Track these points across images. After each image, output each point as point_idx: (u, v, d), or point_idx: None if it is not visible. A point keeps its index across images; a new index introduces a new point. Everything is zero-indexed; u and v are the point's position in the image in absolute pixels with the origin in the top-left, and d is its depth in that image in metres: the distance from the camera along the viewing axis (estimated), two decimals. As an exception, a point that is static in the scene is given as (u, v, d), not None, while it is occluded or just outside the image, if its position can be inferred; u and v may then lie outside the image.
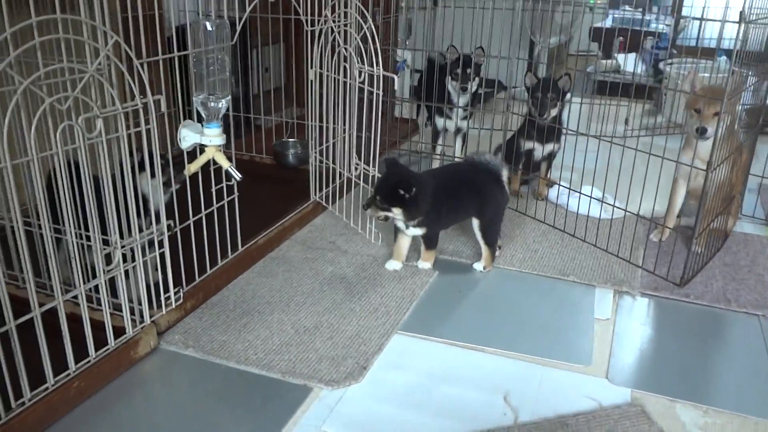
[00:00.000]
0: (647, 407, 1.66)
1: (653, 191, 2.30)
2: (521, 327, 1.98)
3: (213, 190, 2.04)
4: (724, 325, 2.04)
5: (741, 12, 1.95)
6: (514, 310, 2.07)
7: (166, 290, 1.88)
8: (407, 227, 2.24)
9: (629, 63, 5.17)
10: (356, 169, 2.45)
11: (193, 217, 1.96)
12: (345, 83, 2.50)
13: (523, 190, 3.02)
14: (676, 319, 2.06)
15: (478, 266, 2.34)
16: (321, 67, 2.54)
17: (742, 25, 1.96)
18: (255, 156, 3.17)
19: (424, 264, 2.32)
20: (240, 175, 1.93)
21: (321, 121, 2.63)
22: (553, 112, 2.78)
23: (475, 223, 2.30)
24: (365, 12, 2.30)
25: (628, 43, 5.36)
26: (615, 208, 2.61)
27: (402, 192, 2.08)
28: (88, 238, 1.64)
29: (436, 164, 3.13)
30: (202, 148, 1.91)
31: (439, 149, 3.16)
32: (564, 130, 2.84)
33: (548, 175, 2.97)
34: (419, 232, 2.24)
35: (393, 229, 2.32)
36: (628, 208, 2.49)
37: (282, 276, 2.23)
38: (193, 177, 1.93)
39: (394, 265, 2.32)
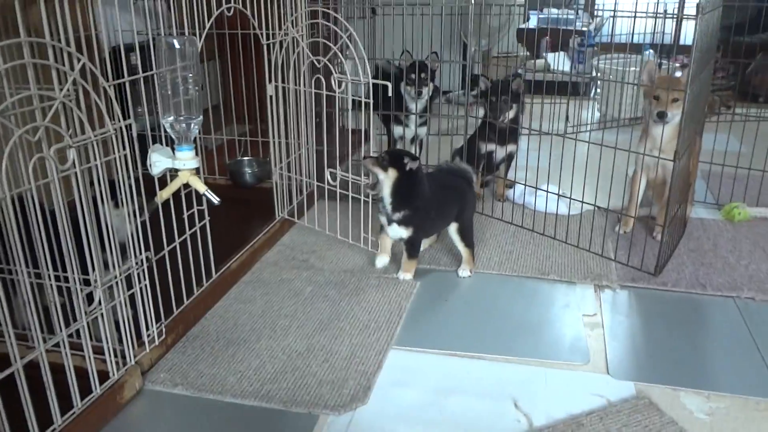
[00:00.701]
0: (653, 398, 1.66)
1: (608, 184, 2.34)
2: (514, 330, 1.96)
3: (185, 216, 1.92)
4: (704, 310, 2.08)
5: (698, 5, 2.01)
6: (504, 314, 2.05)
7: (147, 326, 1.75)
8: (390, 222, 2.19)
9: (558, 62, 5.30)
10: (333, 178, 2.36)
11: (168, 246, 1.84)
12: (311, 94, 2.42)
13: (482, 192, 3.02)
14: (658, 308, 2.09)
15: (463, 272, 2.30)
16: (282, 81, 2.45)
17: (700, 17, 2.01)
18: (208, 177, 3.03)
19: (405, 275, 2.26)
20: (218, 199, 1.82)
21: (281, 137, 2.54)
22: (510, 114, 2.79)
23: (454, 227, 2.28)
24: (337, 22, 2.24)
25: (555, 42, 5.49)
26: (578, 203, 2.64)
27: (406, 160, 2.11)
28: (59, 278, 1.50)
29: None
30: (173, 172, 1.79)
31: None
32: (521, 131, 2.85)
33: (506, 176, 2.98)
34: (403, 233, 2.19)
35: (371, 238, 2.26)
36: (588, 202, 2.52)
37: (261, 300, 2.13)
38: (164, 204, 1.81)
39: (382, 260, 2.31)
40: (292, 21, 2.43)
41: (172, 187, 1.78)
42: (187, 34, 2.02)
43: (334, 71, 2.31)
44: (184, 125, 1.75)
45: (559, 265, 2.35)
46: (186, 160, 1.75)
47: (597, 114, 4.39)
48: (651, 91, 2.37)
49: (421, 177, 2.17)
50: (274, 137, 2.55)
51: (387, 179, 2.15)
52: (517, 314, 2.05)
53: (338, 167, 2.38)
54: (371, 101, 2.18)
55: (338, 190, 2.39)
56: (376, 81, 2.18)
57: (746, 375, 1.75)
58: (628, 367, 1.79)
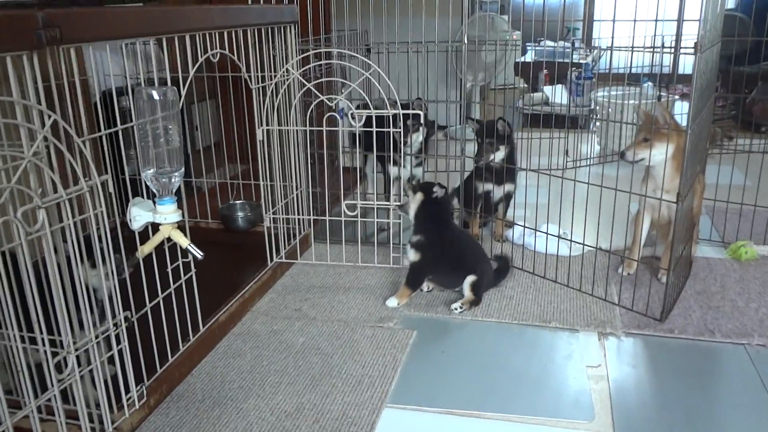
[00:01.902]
0: (663, 461, 1.55)
1: (610, 223, 2.29)
2: (515, 385, 1.85)
3: (168, 270, 1.84)
4: (714, 359, 1.97)
5: (696, 43, 1.94)
6: (504, 367, 1.94)
7: (127, 390, 1.65)
8: (408, 243, 2.29)
9: (556, 94, 5.25)
10: (351, 209, 2.44)
11: (150, 302, 1.75)
12: (309, 134, 2.36)
13: (480, 232, 2.93)
14: (665, 357, 1.98)
15: (456, 306, 2.26)
16: (276, 124, 2.39)
17: (698, 54, 1.93)
18: (200, 221, 2.95)
19: (393, 301, 2.29)
20: (201, 253, 1.73)
21: (276, 180, 2.48)
22: (499, 155, 2.72)
23: (470, 279, 2.29)
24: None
25: (552, 74, 5.44)
26: (578, 245, 2.54)
27: (435, 188, 2.27)
28: (32, 341, 1.41)
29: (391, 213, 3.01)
30: (155, 227, 1.71)
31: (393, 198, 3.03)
32: (517, 170, 2.78)
33: (505, 216, 2.89)
34: (411, 256, 2.28)
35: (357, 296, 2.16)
36: (588, 242, 2.44)
37: (250, 354, 2.03)
38: (145, 258, 1.73)
39: (391, 302, 2.32)
40: (293, 64, 2.38)
41: (154, 241, 1.70)
42: (179, 75, 1.96)
43: (350, 106, 2.36)
44: (165, 178, 1.67)
45: (561, 311, 2.25)
46: (167, 213, 1.67)
47: (597, 147, 4.31)
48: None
49: (444, 212, 2.31)
50: (264, 181, 2.48)
51: (413, 201, 2.30)
52: (518, 366, 1.94)
53: (357, 198, 2.44)
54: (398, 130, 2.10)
55: (359, 219, 2.47)
56: (402, 111, 2.18)
57: (762, 433, 1.64)
58: (636, 426, 1.67)
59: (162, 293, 1.80)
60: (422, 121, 2.81)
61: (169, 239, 1.73)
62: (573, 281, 2.44)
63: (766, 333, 2.06)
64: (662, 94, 4.21)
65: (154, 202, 1.69)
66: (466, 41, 2.62)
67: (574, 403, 1.77)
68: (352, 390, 1.83)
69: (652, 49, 3.26)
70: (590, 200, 2.25)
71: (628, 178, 2.25)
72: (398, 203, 2.41)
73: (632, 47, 3.30)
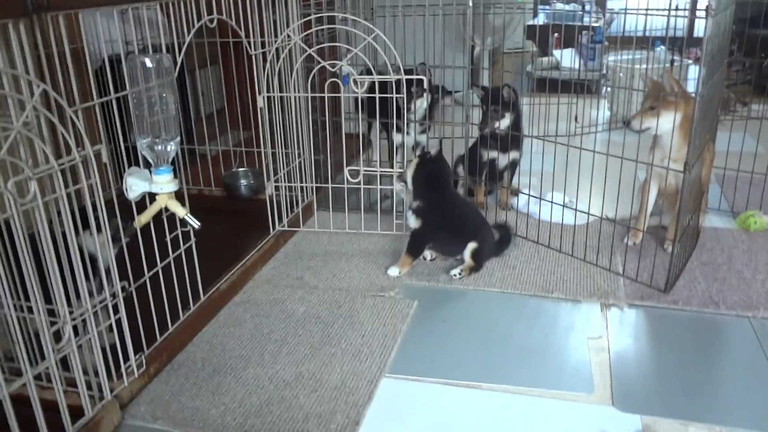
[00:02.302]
0: (661, 434, 1.54)
1: (616, 192, 2.27)
2: (515, 356, 1.84)
3: (167, 239, 1.83)
4: (718, 331, 1.95)
5: (707, 6, 1.87)
6: (505, 338, 1.93)
7: (126, 359, 1.66)
8: (410, 208, 2.27)
9: (566, 58, 5.15)
10: (353, 175, 2.47)
11: (149, 272, 1.74)
12: (313, 100, 2.33)
13: (485, 200, 2.90)
14: (668, 329, 1.96)
15: (456, 272, 2.27)
16: (276, 90, 2.36)
17: (710, 19, 1.87)
18: (204, 189, 2.94)
19: (394, 270, 2.29)
20: (198, 223, 1.72)
21: (278, 147, 2.45)
22: (504, 123, 2.67)
23: (471, 246, 2.27)
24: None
25: (564, 38, 5.33)
26: (584, 213, 2.51)
27: (431, 150, 2.32)
28: (29, 310, 1.41)
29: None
30: (152, 196, 1.69)
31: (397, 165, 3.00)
32: (522, 138, 2.73)
33: (511, 184, 2.86)
34: (412, 223, 2.26)
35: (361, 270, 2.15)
36: (594, 212, 2.41)
37: (251, 323, 2.03)
38: (144, 227, 1.71)
39: (393, 271, 2.31)
40: (294, 28, 2.33)
41: (150, 211, 1.68)
42: (174, 41, 1.92)
43: (353, 72, 2.28)
44: (161, 146, 1.64)
45: (565, 281, 2.23)
46: (164, 183, 1.65)
47: (607, 113, 4.23)
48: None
49: (441, 176, 2.28)
50: (265, 149, 2.45)
51: (410, 168, 2.29)
52: (519, 337, 1.93)
53: (361, 164, 2.51)
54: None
55: (362, 186, 2.49)
56: (406, 76, 2.26)
57: (763, 407, 1.62)
58: (634, 398, 1.66)
59: (161, 263, 1.79)
60: (426, 86, 2.76)
61: (166, 209, 1.72)
62: (577, 251, 2.41)
63: (771, 305, 2.03)
64: (675, 58, 4.11)
65: (151, 171, 1.67)
66: (471, 4, 2.54)
67: (574, 375, 1.76)
68: (351, 359, 1.83)
69: (666, 12, 3.17)
70: (597, 168, 2.21)
71: (635, 145, 2.20)
72: (399, 171, 2.39)
73: (646, 10, 3.23)
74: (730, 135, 2.78)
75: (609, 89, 4.32)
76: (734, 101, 4.42)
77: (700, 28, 5.90)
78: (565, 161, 2.32)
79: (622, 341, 1.91)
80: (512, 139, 2.68)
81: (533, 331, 1.96)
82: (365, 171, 2.42)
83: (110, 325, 1.58)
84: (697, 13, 2.03)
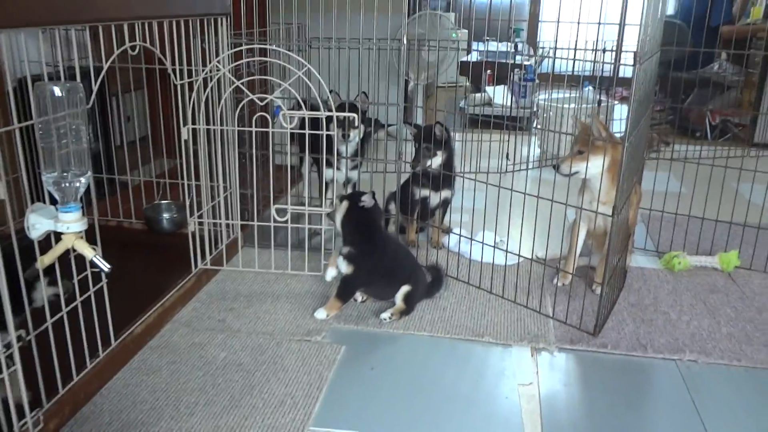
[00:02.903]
0: (592, 488, 1.50)
1: (546, 232, 2.29)
2: (445, 406, 1.78)
3: (75, 281, 1.69)
4: (646, 375, 1.94)
5: (635, 54, 1.90)
6: (434, 385, 1.87)
7: (21, 416, 1.50)
8: (339, 254, 2.17)
9: (499, 95, 5.23)
10: (281, 214, 2.35)
11: (52, 317, 1.60)
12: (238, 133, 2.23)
13: (416, 239, 2.86)
14: (597, 374, 1.95)
15: (386, 316, 2.20)
16: (203, 121, 2.26)
17: (637, 66, 1.90)
18: (123, 221, 2.78)
19: (321, 312, 2.20)
20: (108, 266, 1.59)
21: (203, 180, 2.34)
22: (436, 161, 2.65)
23: (404, 290, 2.22)
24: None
25: (496, 75, 5.41)
26: (515, 255, 2.50)
27: (364, 197, 2.14)
28: None
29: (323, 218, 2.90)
30: (57, 235, 1.56)
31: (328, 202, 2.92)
32: (455, 176, 2.71)
33: (442, 223, 2.83)
34: (343, 268, 2.16)
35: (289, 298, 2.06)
36: (524, 252, 2.40)
37: (167, 370, 1.89)
38: (49, 267, 1.58)
39: (330, 273, 2.24)
40: (223, 59, 2.24)
41: (55, 252, 1.55)
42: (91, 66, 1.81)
43: (282, 107, 2.23)
44: (69, 182, 1.52)
45: (495, 324, 2.19)
46: (70, 222, 1.52)
47: (538, 150, 4.30)
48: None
49: (372, 220, 2.19)
50: (189, 181, 2.34)
51: (339, 210, 2.18)
52: (449, 384, 1.87)
53: (288, 202, 2.34)
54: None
55: (289, 225, 2.35)
56: (339, 113, 2.02)
57: (690, 456, 1.61)
58: (565, 449, 1.63)
59: (66, 306, 1.65)
60: (359, 120, 2.72)
61: (73, 249, 1.59)
62: (508, 292, 2.39)
63: (696, 348, 2.05)
64: (602, 98, 4.22)
65: (57, 209, 1.54)
66: (405, 41, 2.53)
67: (505, 424, 1.71)
68: (273, 412, 1.73)
69: (593, 56, 3.25)
70: (527, 207, 2.20)
71: (565, 184, 2.19)
72: (329, 210, 2.30)
73: (575, 49, 3.32)
74: (655, 174, 2.85)
75: (539, 127, 4.39)
76: (657, 141, 4.58)
77: (626, 69, 6.15)
78: (497, 199, 2.31)
79: (552, 387, 1.88)
80: (444, 178, 2.65)
81: (463, 378, 1.91)
82: (293, 210, 2.33)
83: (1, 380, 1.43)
84: (624, 61, 2.05)
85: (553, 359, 2.02)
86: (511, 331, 2.15)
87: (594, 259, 2.55)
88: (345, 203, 2.17)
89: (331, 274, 2.22)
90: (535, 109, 4.64)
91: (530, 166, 4.04)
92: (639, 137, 2.23)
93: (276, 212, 2.32)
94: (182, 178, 2.45)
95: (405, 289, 2.20)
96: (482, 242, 2.49)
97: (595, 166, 2.20)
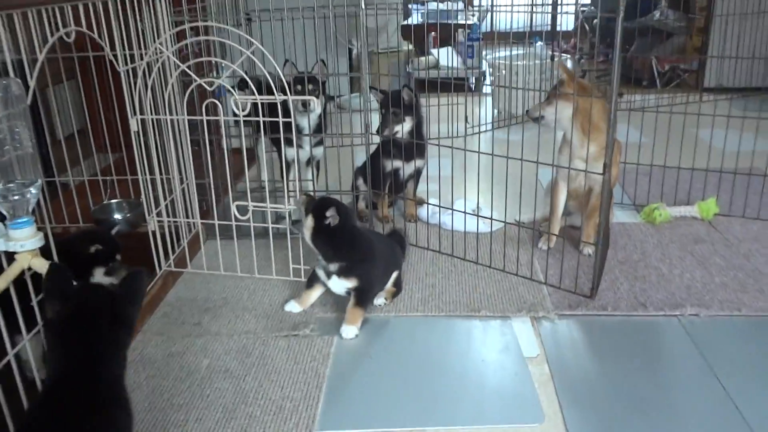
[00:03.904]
0: (624, 461, 1.43)
1: (520, 195, 2.22)
2: (455, 390, 1.68)
3: (33, 302, 1.49)
4: (651, 334, 1.89)
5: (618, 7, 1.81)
6: (440, 368, 1.76)
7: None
8: (329, 275, 1.93)
9: (445, 57, 5.11)
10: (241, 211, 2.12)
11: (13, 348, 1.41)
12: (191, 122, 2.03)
13: (390, 213, 2.73)
14: (602, 338, 1.88)
15: (381, 302, 2.07)
16: (151, 110, 2.05)
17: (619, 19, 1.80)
18: (69, 226, 2.54)
19: (349, 329, 1.92)
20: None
21: (157, 173, 2.14)
22: (406, 127, 2.53)
23: (394, 276, 2.10)
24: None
25: (440, 37, 5.29)
26: (493, 221, 2.41)
27: (328, 213, 1.85)
28: None
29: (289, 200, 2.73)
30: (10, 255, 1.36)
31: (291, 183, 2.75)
32: (427, 144, 2.59)
33: (415, 194, 2.72)
34: (348, 284, 1.93)
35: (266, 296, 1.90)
36: (500, 217, 2.33)
37: (147, 386, 1.72)
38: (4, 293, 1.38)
39: (291, 306, 2.03)
40: (165, 40, 2.03)
41: (9, 274, 1.35)
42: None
43: (233, 93, 1.98)
44: (17, 195, 1.32)
45: (489, 296, 2.10)
46: (24, 239, 1.33)
47: (494, 111, 4.21)
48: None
49: (350, 229, 1.93)
50: (144, 176, 2.14)
51: (306, 227, 1.90)
52: (454, 367, 1.77)
53: (249, 198, 2.11)
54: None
55: (252, 224, 2.14)
56: (295, 98, 1.84)
57: (713, 416, 1.56)
58: (589, 422, 1.55)
59: (28, 334, 1.45)
60: (320, 90, 2.55)
61: (29, 268, 1.39)
62: (495, 261, 2.30)
63: (695, 301, 2.01)
64: (555, 53, 4.15)
65: (6, 225, 1.34)
66: (363, 5, 2.37)
67: (521, 403, 1.62)
68: (273, 419, 1.58)
69: (531, 8, 3.16)
70: (497, 170, 2.13)
71: (531, 143, 2.07)
72: (293, 206, 2.10)
73: (512, 6, 3.25)
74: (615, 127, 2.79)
75: (491, 87, 4.30)
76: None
77: (563, 23, 6.10)
78: (464, 165, 2.20)
79: (561, 357, 1.80)
80: (417, 146, 2.52)
81: (468, 357, 1.81)
82: (255, 207, 2.13)
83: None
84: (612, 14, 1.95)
85: (555, 327, 1.94)
86: (507, 302, 2.06)
87: (574, 219, 2.49)
88: (310, 220, 1.88)
89: (293, 307, 2.04)
90: (485, 68, 4.54)
91: (488, 127, 3.95)
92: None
93: (237, 210, 2.13)
94: (134, 173, 2.24)
95: (395, 274, 2.08)
96: (464, 211, 2.38)
97: (561, 111, 2.13)
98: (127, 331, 1.28)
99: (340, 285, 1.93)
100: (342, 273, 1.91)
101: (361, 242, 1.95)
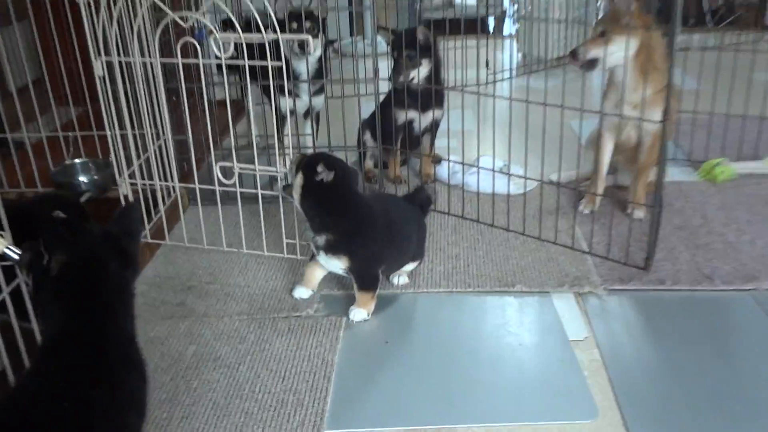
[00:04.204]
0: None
1: (557, 149, 2.08)
2: (489, 381, 1.59)
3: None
4: (721, 313, 1.81)
5: None
6: (469, 355, 1.68)
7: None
8: (318, 249, 1.79)
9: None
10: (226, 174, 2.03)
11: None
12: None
13: (403, 173, 2.64)
14: (662, 317, 1.80)
15: (403, 280, 1.99)
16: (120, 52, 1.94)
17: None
18: (26, 190, 2.44)
19: (357, 311, 1.83)
20: (18, 251, 1.31)
21: (128, 128, 2.03)
22: (423, 72, 2.43)
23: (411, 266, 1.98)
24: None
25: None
26: (524, 179, 2.31)
27: (320, 168, 1.69)
28: None
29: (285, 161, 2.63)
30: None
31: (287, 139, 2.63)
32: (447, 91, 2.48)
33: (432, 151, 2.62)
34: (338, 264, 1.79)
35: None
36: (536, 175, 2.24)
37: (122, 379, 1.64)
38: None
39: (301, 292, 1.92)
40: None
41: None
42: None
43: (215, 30, 1.89)
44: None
45: (524, 268, 2.01)
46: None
47: (519, 56, 4.09)
48: None
49: (346, 193, 1.76)
50: (112, 132, 2.04)
51: (295, 185, 1.75)
52: (486, 353, 1.68)
53: (234, 159, 2.01)
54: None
55: (238, 190, 2.04)
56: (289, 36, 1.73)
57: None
58: (652, 419, 1.46)
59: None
60: (319, 28, 2.44)
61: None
62: (529, 227, 2.21)
63: (771, 273, 1.92)
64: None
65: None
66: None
67: (570, 396, 1.54)
68: (273, 417, 1.50)
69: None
70: (529, 122, 2.03)
71: (565, 90, 1.96)
72: (284, 181, 1.95)
73: None
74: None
75: (518, 26, 4.17)
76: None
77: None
78: (486, 118, 2.11)
79: (612, 341, 1.72)
80: (434, 95, 2.42)
81: (502, 342, 1.72)
82: (242, 169, 2.01)
83: None
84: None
85: (604, 305, 1.86)
86: (545, 275, 1.98)
87: (623, 178, 2.40)
88: (299, 178, 1.74)
89: (301, 293, 1.92)
90: (507, 5, 4.41)
91: (511, 74, 3.84)
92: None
93: (221, 173, 2.02)
94: (101, 128, 2.15)
95: (412, 265, 1.99)
96: (492, 169, 2.28)
97: (620, 50, 2.00)
98: (134, 274, 1.30)
99: (331, 263, 1.80)
100: (329, 249, 1.77)
101: (356, 211, 1.78)
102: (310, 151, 2.55)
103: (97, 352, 1.15)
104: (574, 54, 2.13)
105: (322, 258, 1.80)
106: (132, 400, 1.18)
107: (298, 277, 1.98)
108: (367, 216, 1.80)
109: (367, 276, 1.82)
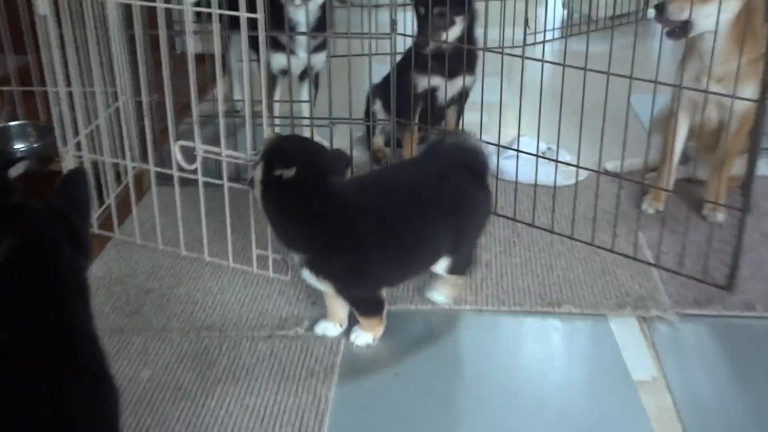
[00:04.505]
0: None
1: (614, 131, 1.97)
2: (528, 429, 1.47)
3: None
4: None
5: None
6: (502, 398, 1.56)
7: None
8: (299, 267, 1.62)
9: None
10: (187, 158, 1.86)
11: None
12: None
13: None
14: (752, 353, 1.71)
15: (440, 297, 1.83)
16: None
17: None
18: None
19: (361, 335, 1.70)
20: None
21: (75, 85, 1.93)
22: (454, 33, 2.29)
23: (446, 262, 1.73)
24: None
25: None
26: (575, 168, 2.21)
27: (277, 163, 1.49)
28: None
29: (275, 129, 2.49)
30: None
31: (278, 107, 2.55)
32: (483, 54, 2.33)
33: (459, 126, 2.53)
34: (321, 286, 1.63)
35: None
36: (589, 163, 2.16)
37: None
38: None
39: (325, 328, 1.73)
40: None
41: None
42: None
43: None
44: None
45: (572, 283, 1.92)
46: None
47: (563, 12, 4.06)
48: None
49: (319, 194, 1.53)
50: (55, 88, 1.93)
51: (256, 182, 1.55)
52: (524, 395, 1.58)
53: (197, 138, 1.83)
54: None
55: (200, 178, 1.87)
56: None
57: None
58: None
59: None
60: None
61: None
62: (579, 229, 2.10)
63: None
64: None
65: None
66: None
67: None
68: (248, 472, 1.35)
69: None
70: (579, 98, 1.93)
71: (622, 59, 1.84)
72: (247, 175, 1.70)
73: None
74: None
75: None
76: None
77: None
78: (534, 87, 2.04)
79: (688, 382, 1.63)
80: (466, 57, 2.28)
81: (545, 381, 1.63)
82: (206, 153, 1.82)
83: None
84: None
85: (676, 334, 1.78)
86: (599, 293, 1.88)
87: (698, 170, 2.30)
88: (259, 172, 1.54)
89: (324, 329, 1.73)
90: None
91: (554, 35, 3.79)
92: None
93: (182, 156, 1.82)
94: (43, 83, 2.07)
95: (448, 261, 1.76)
96: (535, 153, 2.17)
97: (719, 10, 1.84)
98: (87, 261, 1.19)
99: (314, 282, 1.63)
100: (308, 267, 1.60)
101: (331, 218, 1.56)
102: (306, 122, 2.40)
103: (54, 357, 1.03)
104: (660, 10, 1.99)
105: (307, 276, 1.61)
106: (103, 423, 1.07)
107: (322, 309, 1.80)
108: (351, 222, 1.57)
109: (362, 301, 1.67)
